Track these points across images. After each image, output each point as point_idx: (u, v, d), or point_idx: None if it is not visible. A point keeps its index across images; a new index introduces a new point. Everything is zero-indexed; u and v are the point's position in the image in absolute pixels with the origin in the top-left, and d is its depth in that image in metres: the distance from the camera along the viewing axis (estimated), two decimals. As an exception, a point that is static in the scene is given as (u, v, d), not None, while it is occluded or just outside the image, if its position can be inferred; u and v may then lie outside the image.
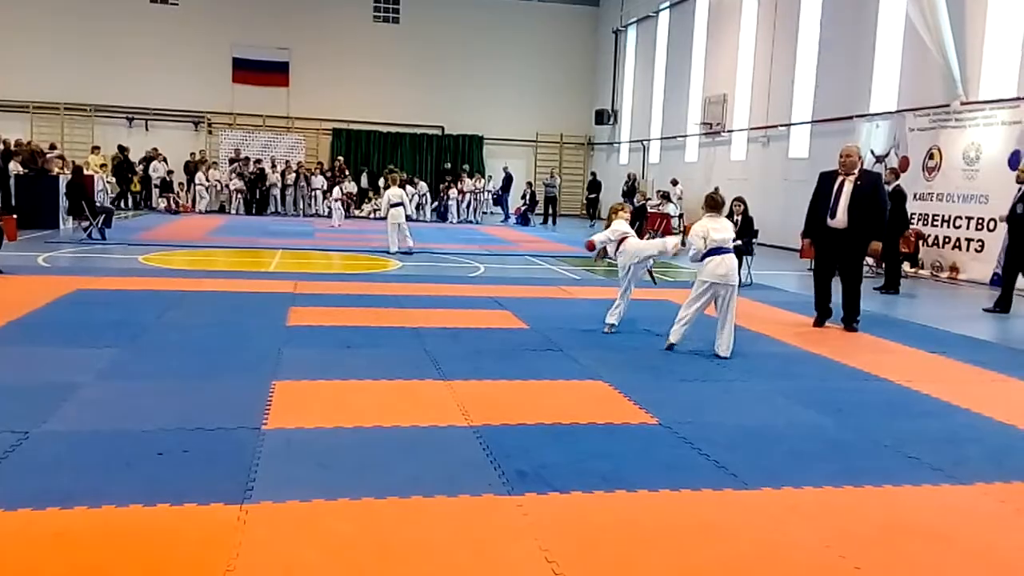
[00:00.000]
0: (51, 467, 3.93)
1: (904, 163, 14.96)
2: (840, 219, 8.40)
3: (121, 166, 25.09)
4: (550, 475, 4.05)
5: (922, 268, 14.40)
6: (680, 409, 5.36)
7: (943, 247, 14.22)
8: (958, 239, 13.93)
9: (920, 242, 14.27)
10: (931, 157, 14.68)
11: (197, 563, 3.06)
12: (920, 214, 14.55)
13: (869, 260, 13.63)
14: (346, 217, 24.12)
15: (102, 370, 5.76)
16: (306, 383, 5.64)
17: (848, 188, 8.38)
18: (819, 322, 8.81)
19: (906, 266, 13.39)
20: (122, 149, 25.53)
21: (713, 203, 7.40)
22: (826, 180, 8.67)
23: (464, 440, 4.57)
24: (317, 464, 4.10)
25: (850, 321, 8.58)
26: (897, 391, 6.18)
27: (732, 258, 7.11)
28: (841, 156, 8.59)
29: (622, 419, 5.11)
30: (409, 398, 5.38)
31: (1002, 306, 10.62)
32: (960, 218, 13.90)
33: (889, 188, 12.44)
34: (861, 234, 8.37)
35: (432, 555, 3.21)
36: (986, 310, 10.70)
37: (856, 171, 8.48)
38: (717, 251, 7.06)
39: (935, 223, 14.38)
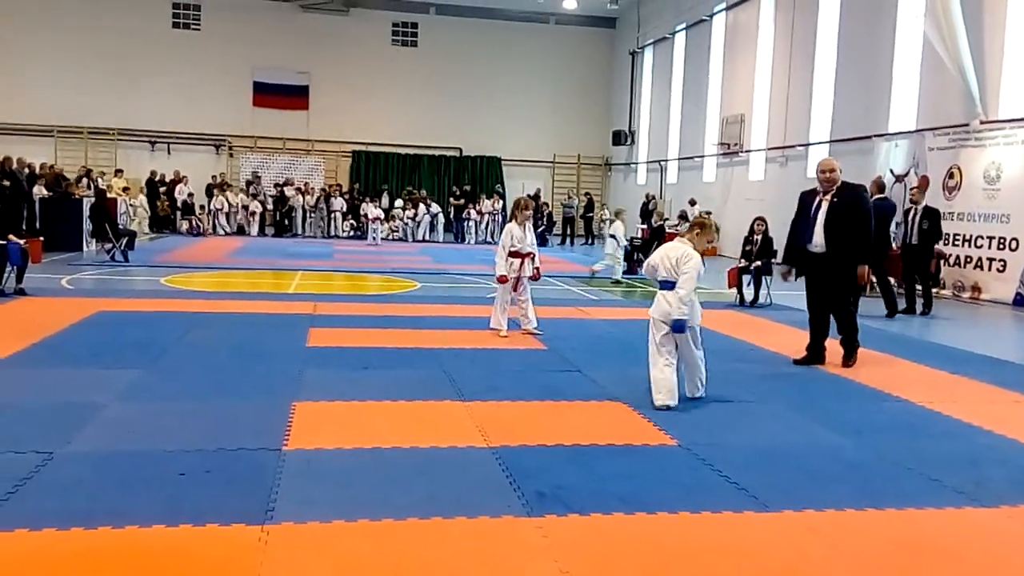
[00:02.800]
0: (75, 487, 3.97)
1: (924, 182, 14.88)
2: (817, 242, 7.45)
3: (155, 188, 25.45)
4: (569, 496, 4.05)
5: (943, 288, 14.29)
6: (699, 430, 5.35)
7: (964, 267, 14.11)
8: (979, 259, 13.82)
9: (941, 262, 14.17)
10: (951, 176, 14.61)
11: (219, 583, 3.09)
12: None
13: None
14: (354, 237, 24.55)
15: (125, 391, 5.82)
16: (326, 404, 5.68)
17: (825, 207, 7.46)
18: (804, 360, 7.72)
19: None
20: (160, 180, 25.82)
21: (694, 226, 6.25)
22: (805, 199, 7.71)
23: (483, 461, 4.58)
24: (337, 485, 4.13)
25: (846, 359, 7.68)
26: (917, 412, 6.13)
27: (670, 295, 5.89)
28: (818, 172, 7.63)
29: (641, 440, 5.11)
30: (428, 419, 5.40)
31: (892, 310, 11.35)
32: (981, 238, 13.81)
33: (918, 207, 12.28)
34: (842, 258, 7.39)
35: (451, 576, 3.22)
36: (901, 312, 11.54)
37: (835, 187, 7.50)
38: (665, 285, 5.92)
39: (956, 243, 14.28)
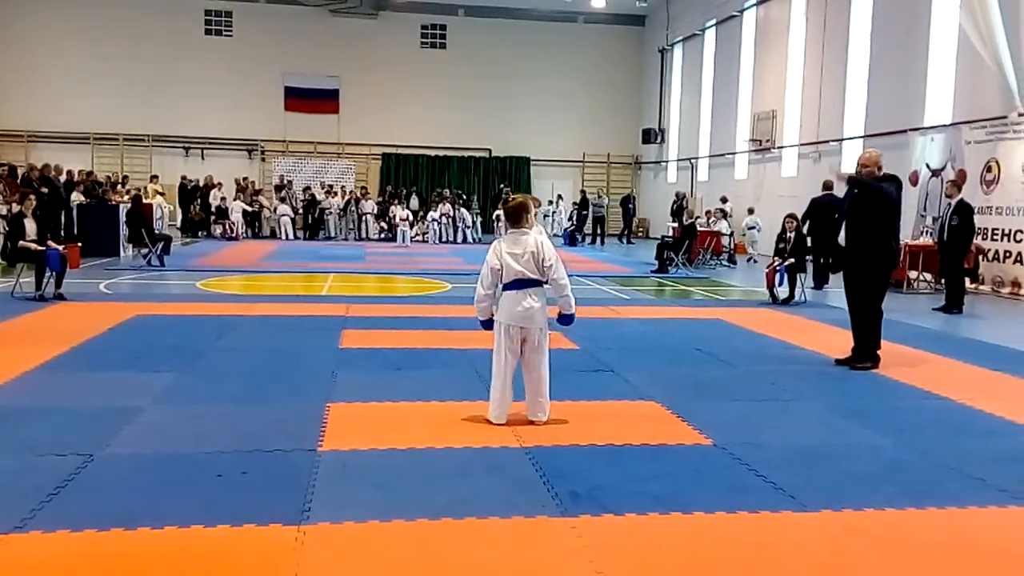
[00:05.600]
0: (115, 489, 4.02)
1: (961, 176, 14.65)
2: (842, 235, 7.41)
3: (188, 193, 25.75)
4: (604, 496, 4.03)
5: (982, 283, 14.04)
6: (734, 429, 5.30)
7: (1004, 262, 13.85)
8: (1019, 253, 13.56)
9: (980, 257, 13.92)
10: (989, 170, 14.34)
11: (256, 584, 3.11)
12: (979, 228, 14.15)
13: (927, 276, 13.27)
14: (385, 239, 24.70)
15: (162, 394, 5.88)
16: (360, 405, 5.70)
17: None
18: (846, 360, 7.48)
19: (966, 281, 13.03)
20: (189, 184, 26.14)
21: (513, 213, 5.36)
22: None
23: (517, 461, 4.57)
24: (372, 485, 4.14)
25: (857, 358, 7.39)
26: (958, 409, 6.03)
27: (536, 295, 5.22)
28: (857, 164, 7.51)
29: (675, 439, 5.07)
30: (460, 419, 5.40)
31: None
32: (1021, 232, 13.53)
33: (952, 202, 12.13)
34: (859, 253, 7.25)
35: (487, 577, 3.21)
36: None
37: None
38: (516, 284, 5.21)
39: (995, 237, 14.01)
